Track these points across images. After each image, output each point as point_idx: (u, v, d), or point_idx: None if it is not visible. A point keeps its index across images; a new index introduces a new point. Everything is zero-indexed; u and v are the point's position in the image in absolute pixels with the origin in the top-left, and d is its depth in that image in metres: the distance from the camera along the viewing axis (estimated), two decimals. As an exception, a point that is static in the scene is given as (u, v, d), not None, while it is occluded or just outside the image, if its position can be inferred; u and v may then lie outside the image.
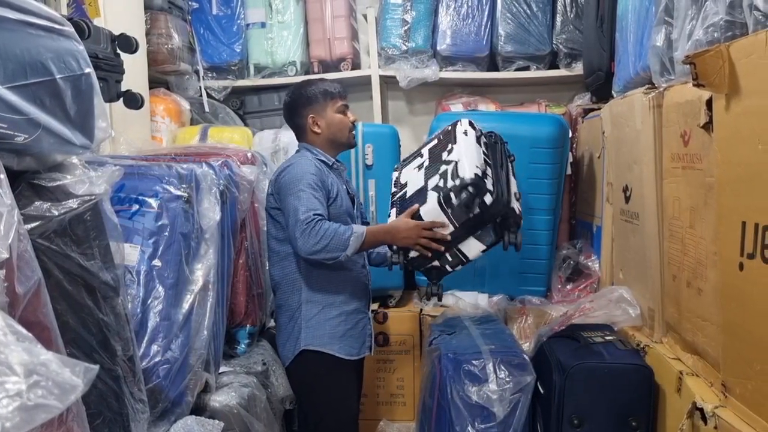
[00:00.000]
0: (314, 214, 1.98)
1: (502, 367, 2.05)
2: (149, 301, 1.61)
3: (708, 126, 1.59)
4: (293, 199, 2.02)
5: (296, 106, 2.25)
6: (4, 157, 0.93)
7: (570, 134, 2.94)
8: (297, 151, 2.28)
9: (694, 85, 1.50)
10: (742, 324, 1.43)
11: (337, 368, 2.16)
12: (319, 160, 2.19)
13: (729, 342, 1.51)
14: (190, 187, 1.77)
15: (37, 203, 1.04)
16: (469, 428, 2.02)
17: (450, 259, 2.07)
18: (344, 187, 2.25)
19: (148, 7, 2.97)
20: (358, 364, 2.28)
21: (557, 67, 3.38)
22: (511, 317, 2.79)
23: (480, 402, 2.02)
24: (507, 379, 2.03)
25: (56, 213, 1.05)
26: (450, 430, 2.07)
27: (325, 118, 2.22)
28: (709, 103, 1.56)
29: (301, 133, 2.27)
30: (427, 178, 2.11)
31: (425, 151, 2.29)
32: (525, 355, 2.08)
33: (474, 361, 2.06)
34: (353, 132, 2.29)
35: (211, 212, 1.84)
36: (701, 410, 1.57)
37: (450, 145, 2.14)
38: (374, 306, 2.82)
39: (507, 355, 2.08)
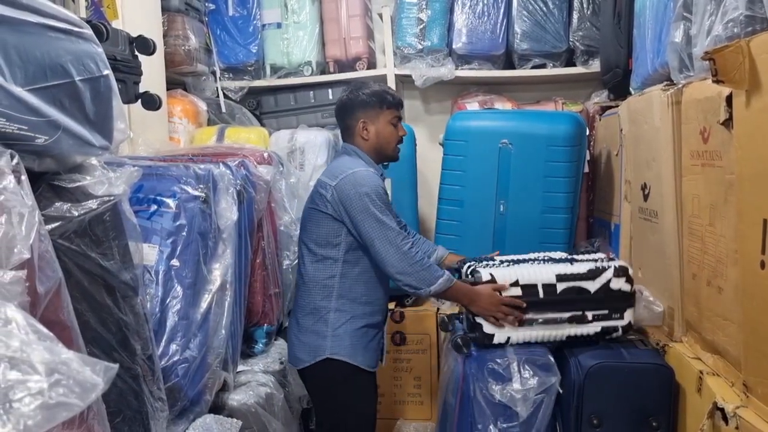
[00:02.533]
0: (403, 240, 2.03)
1: (527, 367, 2.03)
2: (168, 300, 1.63)
3: (728, 123, 1.57)
4: (373, 219, 2.02)
5: (351, 107, 2.20)
6: (25, 159, 0.94)
7: (587, 132, 2.91)
8: (345, 152, 2.22)
9: (713, 82, 1.49)
10: (763, 322, 1.41)
11: (359, 378, 2.15)
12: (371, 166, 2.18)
13: (750, 341, 1.49)
14: (207, 187, 1.78)
15: (57, 204, 1.05)
16: (492, 427, 2.01)
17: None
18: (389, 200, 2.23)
19: (165, 9, 2.99)
20: (375, 374, 2.27)
21: (574, 65, 3.36)
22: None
23: (503, 401, 2.01)
24: (531, 379, 2.02)
25: (76, 214, 1.06)
26: (472, 428, 2.06)
27: (377, 125, 2.18)
28: (728, 99, 1.54)
29: (348, 135, 2.22)
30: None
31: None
32: (550, 356, 2.07)
33: (498, 360, 2.05)
34: (398, 145, 2.24)
35: (228, 212, 1.85)
36: (722, 410, 1.55)
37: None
38: (391, 305, 2.81)
39: (532, 355, 2.06)
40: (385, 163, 2.30)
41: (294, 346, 2.18)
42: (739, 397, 1.56)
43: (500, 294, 2.05)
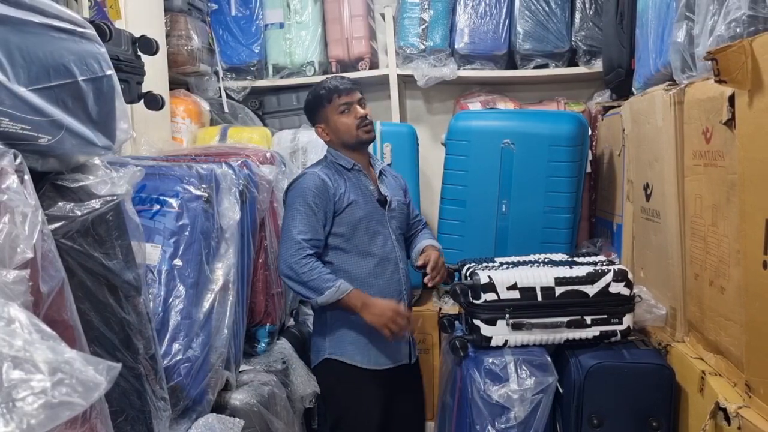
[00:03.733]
0: (307, 241, 2.04)
1: (524, 367, 2.03)
2: (170, 300, 1.63)
3: (730, 123, 1.57)
4: (286, 218, 2.11)
5: (308, 118, 2.27)
6: (28, 159, 0.94)
7: (589, 132, 2.91)
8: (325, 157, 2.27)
9: (716, 82, 1.48)
10: (766, 323, 1.41)
11: (361, 378, 2.16)
12: (337, 164, 2.18)
13: (753, 341, 1.49)
14: (210, 187, 1.78)
15: (60, 204, 1.06)
16: (489, 428, 2.01)
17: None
18: (371, 187, 2.20)
19: (168, 9, 2.99)
20: (396, 372, 2.21)
21: (576, 65, 3.36)
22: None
23: (500, 402, 2.01)
24: (528, 379, 2.02)
25: (79, 213, 1.07)
26: (470, 429, 2.06)
27: (329, 123, 2.18)
28: (731, 99, 1.54)
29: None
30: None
31: None
32: (547, 356, 2.07)
33: (495, 360, 2.05)
34: (364, 127, 2.17)
35: (230, 212, 1.85)
36: (724, 410, 1.55)
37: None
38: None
39: (529, 355, 2.07)
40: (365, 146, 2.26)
41: (311, 344, 2.28)
42: (741, 397, 1.56)
43: (394, 308, 2.06)
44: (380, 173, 2.29)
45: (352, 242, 2.15)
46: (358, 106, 2.18)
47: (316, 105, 2.19)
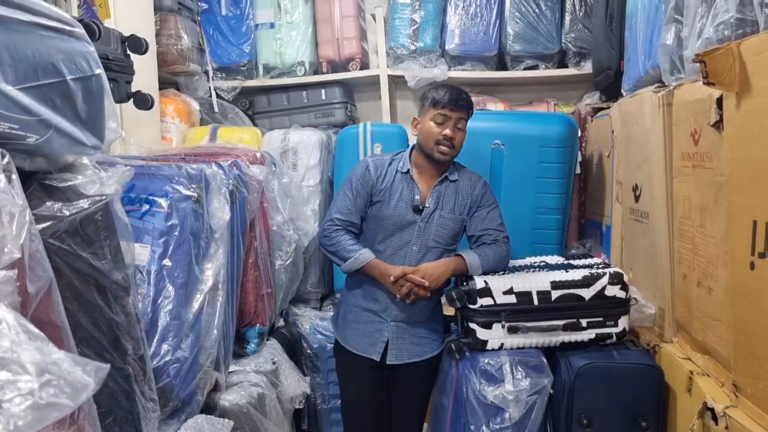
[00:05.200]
0: (339, 220, 2.25)
1: (519, 368, 2.04)
2: (159, 300, 1.62)
3: (718, 124, 1.58)
4: (335, 197, 2.42)
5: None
6: (16, 158, 0.93)
7: (579, 133, 2.93)
8: None
9: (704, 84, 1.50)
10: (753, 323, 1.42)
11: (345, 356, 2.33)
12: (400, 162, 2.27)
13: (740, 341, 1.50)
14: (199, 187, 1.77)
15: (48, 203, 1.05)
16: (484, 428, 2.02)
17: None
18: (416, 197, 2.22)
19: (157, 8, 2.97)
20: (384, 367, 2.27)
21: (566, 66, 3.37)
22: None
23: (495, 402, 2.01)
24: (524, 381, 2.02)
25: (67, 213, 1.06)
26: (465, 429, 2.07)
27: (422, 122, 2.24)
28: (719, 101, 1.55)
29: None
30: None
31: None
32: (542, 357, 2.08)
33: (491, 361, 2.06)
34: (441, 146, 2.18)
35: (220, 212, 1.85)
36: (712, 410, 1.57)
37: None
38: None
39: (524, 356, 2.07)
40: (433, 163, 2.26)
41: None
42: (728, 397, 1.57)
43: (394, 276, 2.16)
44: (445, 181, 2.26)
45: (371, 232, 2.28)
46: (451, 125, 2.19)
47: (425, 101, 2.26)
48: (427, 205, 2.24)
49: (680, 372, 1.86)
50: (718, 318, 1.67)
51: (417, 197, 2.23)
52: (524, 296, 2.08)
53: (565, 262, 2.31)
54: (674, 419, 1.95)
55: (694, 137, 1.77)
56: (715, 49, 1.42)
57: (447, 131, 2.17)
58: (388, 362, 2.26)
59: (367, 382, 2.30)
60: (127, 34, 1.88)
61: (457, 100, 2.18)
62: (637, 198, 2.26)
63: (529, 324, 2.07)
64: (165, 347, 1.59)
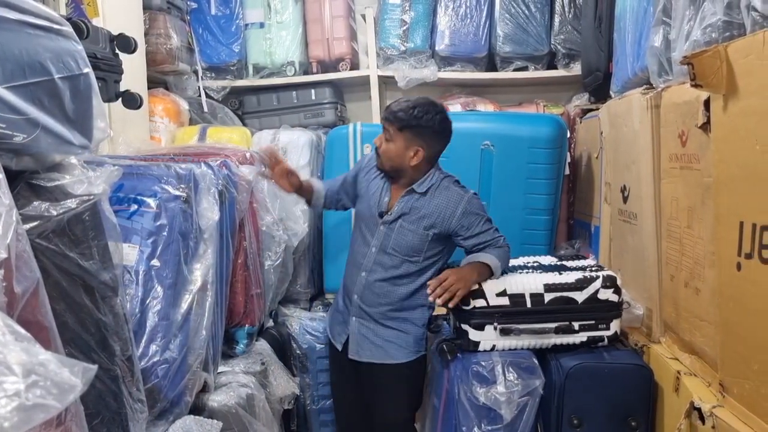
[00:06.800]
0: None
1: (511, 370, 2.04)
2: (148, 301, 1.61)
3: (706, 126, 1.60)
4: None
5: None
6: (2, 157, 0.92)
7: (568, 134, 2.94)
8: None
9: (691, 86, 1.51)
10: (739, 324, 1.44)
11: (330, 346, 2.43)
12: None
13: (727, 342, 1.51)
14: (188, 187, 1.76)
15: (35, 203, 1.04)
16: (476, 429, 2.02)
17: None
18: (385, 199, 2.23)
19: (146, 7, 2.96)
20: (337, 351, 2.36)
21: (555, 68, 3.39)
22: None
23: (487, 404, 2.01)
24: (515, 382, 2.02)
25: (55, 213, 1.05)
26: (456, 430, 2.07)
27: None
28: (706, 103, 1.56)
29: None
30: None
31: None
32: (534, 358, 2.08)
33: (483, 362, 2.06)
34: (379, 157, 2.22)
35: (209, 212, 1.84)
36: (699, 410, 1.58)
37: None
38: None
39: (516, 357, 2.07)
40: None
41: None
42: (715, 396, 1.58)
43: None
44: (412, 192, 2.21)
45: (355, 223, 2.41)
46: (382, 136, 2.20)
47: None
48: (390, 212, 2.22)
49: (668, 372, 1.88)
50: (705, 318, 1.68)
51: (385, 200, 2.24)
52: (517, 299, 2.08)
53: (559, 263, 2.31)
54: (662, 419, 1.96)
55: (681, 139, 1.78)
56: (702, 52, 1.43)
57: (376, 140, 2.21)
58: (349, 356, 2.29)
59: (341, 371, 2.40)
60: (115, 32, 1.87)
61: (387, 113, 2.18)
62: (625, 199, 2.27)
63: (521, 326, 2.08)
64: (153, 348, 1.58)
